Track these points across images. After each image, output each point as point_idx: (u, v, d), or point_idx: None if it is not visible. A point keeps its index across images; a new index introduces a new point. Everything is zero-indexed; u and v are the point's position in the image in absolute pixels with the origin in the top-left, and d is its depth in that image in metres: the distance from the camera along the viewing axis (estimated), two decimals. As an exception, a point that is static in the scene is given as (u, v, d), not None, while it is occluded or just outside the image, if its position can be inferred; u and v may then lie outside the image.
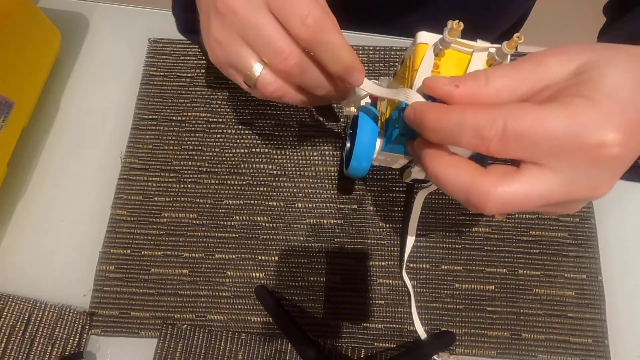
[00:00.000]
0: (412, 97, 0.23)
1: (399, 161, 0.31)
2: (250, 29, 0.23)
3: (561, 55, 0.20)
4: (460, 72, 0.24)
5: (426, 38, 0.25)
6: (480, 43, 0.24)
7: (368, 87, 0.26)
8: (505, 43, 0.23)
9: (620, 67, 0.19)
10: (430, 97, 0.23)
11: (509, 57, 0.23)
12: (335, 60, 0.23)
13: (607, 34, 0.33)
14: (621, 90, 0.18)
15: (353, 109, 0.32)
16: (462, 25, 0.22)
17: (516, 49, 0.23)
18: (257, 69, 0.24)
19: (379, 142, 0.29)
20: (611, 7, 0.36)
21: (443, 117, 0.20)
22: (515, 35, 0.22)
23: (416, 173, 0.31)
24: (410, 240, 0.34)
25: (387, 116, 0.28)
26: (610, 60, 0.19)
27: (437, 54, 0.24)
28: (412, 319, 0.34)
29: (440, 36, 0.24)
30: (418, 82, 0.24)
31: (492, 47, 0.24)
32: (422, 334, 0.34)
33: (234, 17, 0.23)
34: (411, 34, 0.26)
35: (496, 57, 0.24)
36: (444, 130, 0.20)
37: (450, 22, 0.23)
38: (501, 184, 0.19)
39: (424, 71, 0.24)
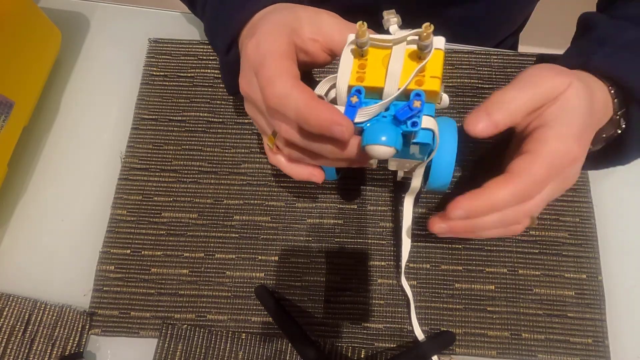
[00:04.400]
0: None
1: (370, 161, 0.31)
2: (259, 107, 0.27)
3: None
4: (385, 68, 0.24)
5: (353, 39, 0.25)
6: (397, 34, 0.24)
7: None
8: (419, 35, 0.22)
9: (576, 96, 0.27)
10: (351, 106, 0.23)
11: (429, 48, 0.23)
12: (303, 122, 0.23)
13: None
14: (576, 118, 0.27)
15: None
16: (365, 24, 0.22)
17: (432, 38, 0.23)
18: (275, 134, 0.28)
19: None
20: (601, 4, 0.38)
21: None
22: (424, 25, 0.22)
23: (401, 172, 0.31)
24: (407, 247, 0.34)
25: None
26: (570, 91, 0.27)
27: (363, 54, 0.24)
28: (412, 324, 0.34)
29: (353, 36, 0.24)
30: (339, 87, 0.24)
31: (410, 36, 0.23)
32: (419, 335, 0.34)
33: (249, 98, 0.28)
34: None
35: (420, 50, 0.23)
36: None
37: (358, 24, 0.23)
38: None
39: (343, 73, 0.24)
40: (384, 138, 0.22)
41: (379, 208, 0.38)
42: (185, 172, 0.39)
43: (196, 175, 0.39)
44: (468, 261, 0.36)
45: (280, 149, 0.28)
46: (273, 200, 0.38)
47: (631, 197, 0.38)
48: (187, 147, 0.40)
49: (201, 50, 0.43)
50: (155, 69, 0.42)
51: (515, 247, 0.37)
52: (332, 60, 0.29)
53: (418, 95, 0.22)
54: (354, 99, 0.23)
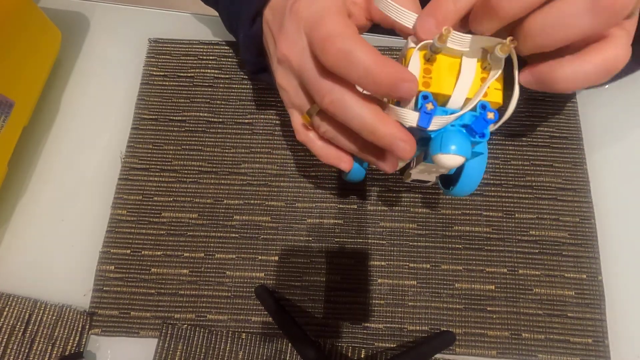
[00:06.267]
0: (406, 117, 0.22)
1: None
2: (299, 73, 0.25)
3: None
4: (453, 77, 0.23)
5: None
6: (471, 40, 0.23)
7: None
8: (498, 47, 0.22)
9: None
10: (426, 112, 0.22)
11: (503, 60, 0.23)
12: (370, 79, 0.21)
13: None
14: None
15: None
16: (451, 31, 0.22)
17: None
18: (313, 111, 0.25)
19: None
20: None
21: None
22: (508, 38, 0.21)
23: (416, 174, 0.31)
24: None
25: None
26: None
27: (429, 59, 0.23)
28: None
29: (431, 40, 0.23)
30: None
31: (483, 46, 0.23)
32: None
33: (288, 64, 0.25)
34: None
35: (490, 61, 0.23)
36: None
37: (444, 28, 0.22)
38: None
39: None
40: (454, 147, 0.22)
41: (379, 208, 0.38)
42: (185, 172, 0.39)
43: (196, 175, 0.39)
44: (468, 261, 0.36)
45: (317, 126, 0.26)
46: (273, 200, 0.38)
47: (631, 198, 0.38)
48: (187, 147, 0.40)
49: (201, 50, 0.43)
50: (155, 68, 0.42)
51: (515, 247, 0.37)
52: (368, 27, 0.28)
53: (484, 107, 0.22)
54: (430, 106, 0.22)
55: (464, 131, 0.23)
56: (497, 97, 0.23)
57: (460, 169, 0.28)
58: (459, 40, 0.23)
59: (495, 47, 0.22)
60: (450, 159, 0.22)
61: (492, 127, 0.23)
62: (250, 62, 0.33)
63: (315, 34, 0.23)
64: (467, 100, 0.23)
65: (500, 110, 0.23)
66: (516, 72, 0.24)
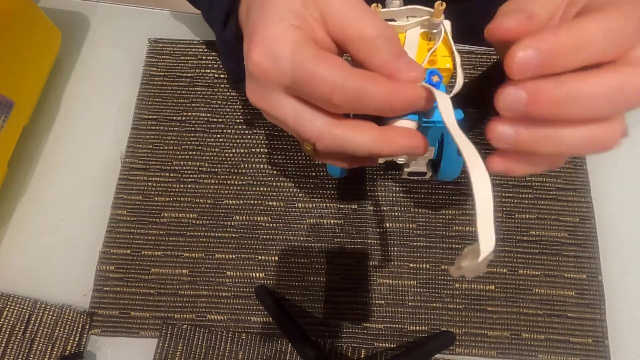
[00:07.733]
0: None
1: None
2: (280, 122, 0.23)
3: None
4: None
5: None
6: (400, 13, 0.24)
7: None
8: (432, 14, 0.23)
9: None
10: None
11: (441, 25, 0.24)
12: (376, 107, 0.20)
13: None
14: None
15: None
16: (380, 6, 0.23)
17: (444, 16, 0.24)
18: (309, 146, 0.23)
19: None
20: None
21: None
22: (437, 2, 0.23)
23: (412, 166, 0.32)
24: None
25: None
26: None
27: None
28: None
29: None
30: None
31: (421, 19, 0.24)
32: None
33: (265, 113, 0.23)
34: None
35: (432, 31, 0.24)
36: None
37: (372, 6, 0.23)
38: None
39: None
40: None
41: (379, 208, 0.38)
42: (185, 172, 0.39)
43: (196, 175, 0.39)
44: (468, 261, 0.36)
45: (317, 157, 0.25)
46: (273, 200, 0.38)
47: (631, 198, 0.38)
48: (187, 147, 0.40)
49: (201, 50, 0.43)
50: (155, 69, 0.42)
51: (515, 247, 0.37)
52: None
53: (433, 72, 0.23)
54: None
55: None
56: (445, 63, 0.24)
57: (440, 151, 0.29)
58: (390, 14, 0.24)
59: (429, 15, 0.24)
60: (400, 124, 0.23)
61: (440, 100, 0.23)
62: (229, 70, 0.29)
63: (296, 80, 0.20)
64: None
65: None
66: (449, 35, 0.24)
